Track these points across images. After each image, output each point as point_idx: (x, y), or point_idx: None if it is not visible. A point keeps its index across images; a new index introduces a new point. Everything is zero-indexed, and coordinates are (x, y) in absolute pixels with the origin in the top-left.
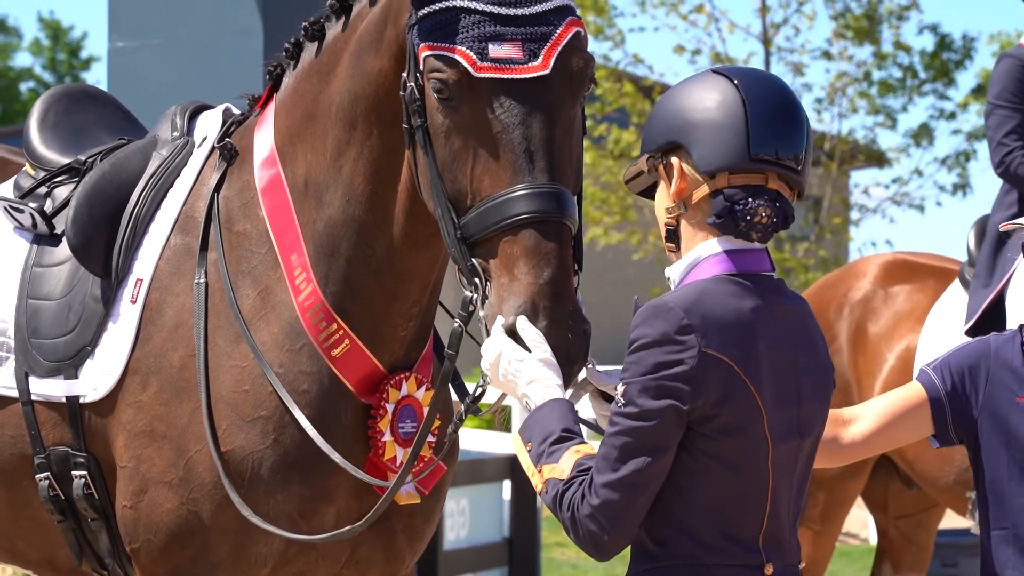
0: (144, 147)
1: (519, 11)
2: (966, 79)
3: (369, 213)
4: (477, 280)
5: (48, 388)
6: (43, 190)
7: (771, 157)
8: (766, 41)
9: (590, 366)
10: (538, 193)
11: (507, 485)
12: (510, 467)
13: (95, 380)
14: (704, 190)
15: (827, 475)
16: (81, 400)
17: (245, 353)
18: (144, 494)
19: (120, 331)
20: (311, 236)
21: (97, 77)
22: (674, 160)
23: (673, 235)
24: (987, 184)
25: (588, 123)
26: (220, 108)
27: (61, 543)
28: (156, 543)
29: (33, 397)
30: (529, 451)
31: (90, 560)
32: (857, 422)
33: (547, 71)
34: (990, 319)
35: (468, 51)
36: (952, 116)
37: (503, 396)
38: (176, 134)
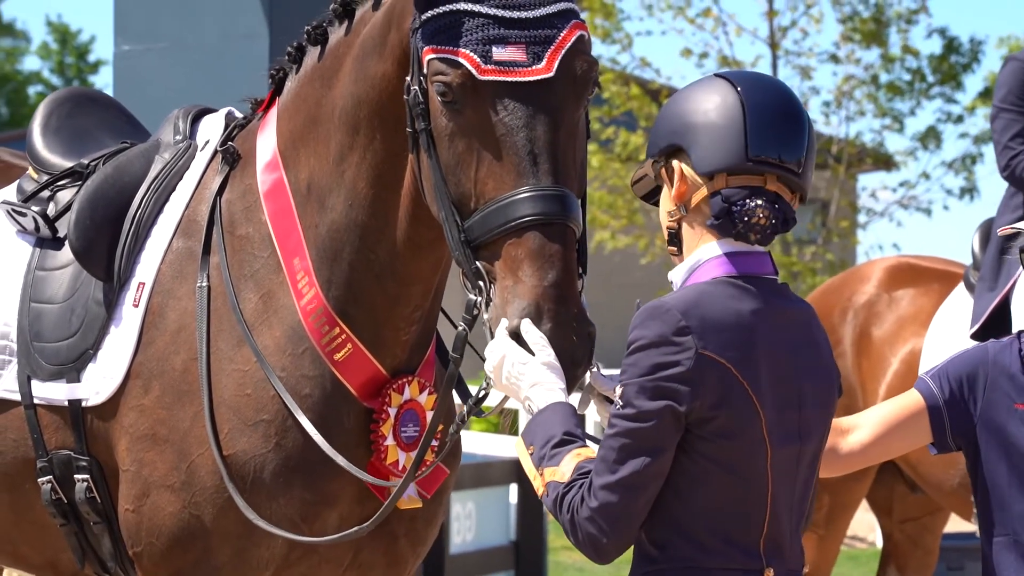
0: (147, 151)
1: (523, 14)
2: (974, 82)
3: (372, 217)
4: (481, 283)
5: (50, 392)
6: (46, 194)
7: (769, 159)
8: (773, 45)
9: (594, 370)
10: (542, 195)
11: (513, 489)
12: (516, 471)
13: (97, 384)
14: (703, 192)
15: (831, 479)
16: (83, 404)
17: (247, 357)
18: (146, 498)
19: (122, 335)
20: (314, 240)
21: (105, 81)
22: (675, 163)
23: (675, 238)
24: (994, 188)
25: (595, 126)
26: (223, 112)
27: (63, 547)
28: (158, 547)
29: (35, 401)
30: (531, 454)
31: (92, 564)
32: (855, 432)
33: (551, 74)
34: (995, 323)
35: (472, 54)
36: (959, 119)
37: (506, 398)
38: (179, 138)
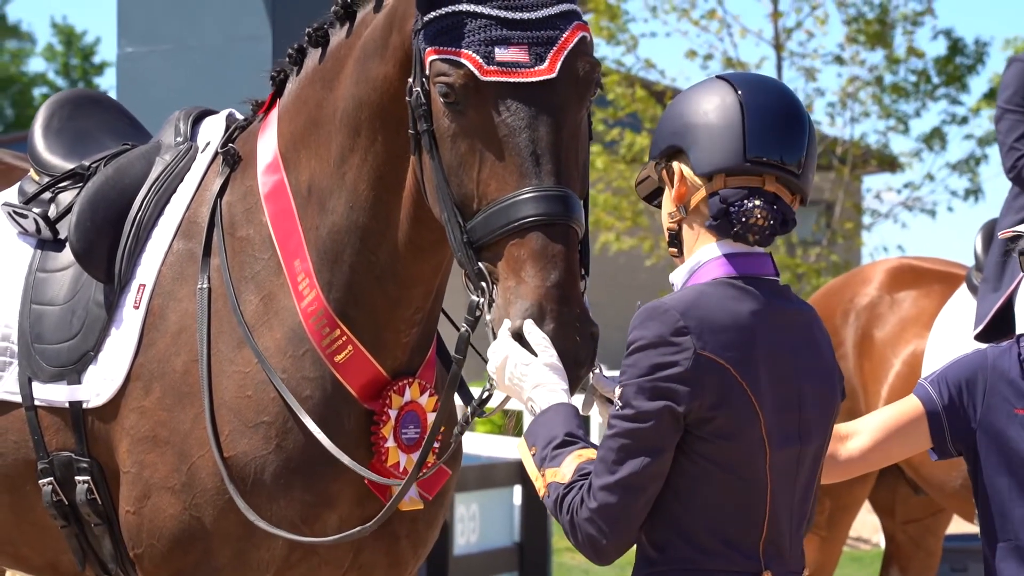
0: (147, 152)
1: (525, 15)
2: (979, 84)
3: (373, 219)
4: (484, 284)
5: (51, 393)
6: (47, 195)
7: (768, 159)
8: (778, 46)
9: (597, 371)
10: (545, 196)
11: (517, 490)
12: (521, 472)
13: (98, 385)
14: (702, 193)
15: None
16: (84, 405)
17: (248, 358)
18: (147, 499)
19: (123, 336)
20: (314, 242)
21: (110, 82)
22: (675, 164)
23: (676, 240)
24: (999, 189)
25: (600, 128)
26: (223, 113)
27: (64, 548)
28: (159, 548)
29: (36, 402)
30: (533, 455)
31: (93, 565)
32: (854, 438)
33: (553, 75)
34: (999, 324)
35: (474, 55)
36: (964, 121)
37: (507, 398)
38: (179, 139)
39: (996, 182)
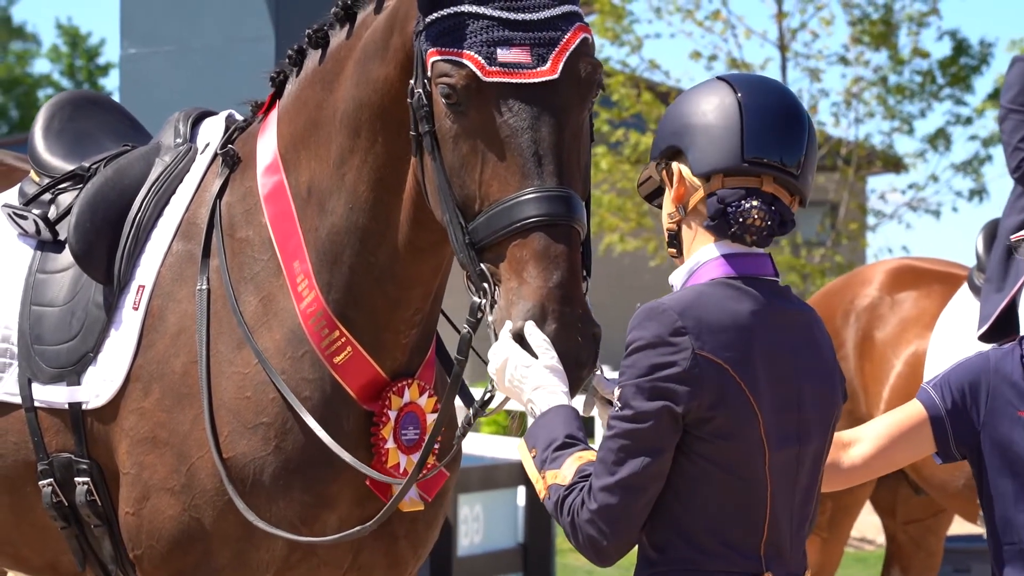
0: (147, 153)
1: (527, 16)
2: (983, 84)
3: (373, 221)
4: (486, 285)
5: (51, 395)
6: (47, 196)
7: (766, 160)
8: (782, 47)
9: (598, 372)
10: (547, 197)
11: (521, 491)
12: (524, 473)
13: (97, 387)
14: (700, 193)
15: None
16: (84, 407)
17: (247, 359)
18: (146, 501)
19: (122, 338)
20: (314, 243)
21: (115, 83)
22: (674, 165)
23: (675, 240)
24: (1003, 189)
25: (605, 128)
26: (223, 114)
27: (64, 549)
28: (159, 549)
29: (36, 403)
30: (533, 457)
31: (93, 566)
32: (857, 445)
33: (556, 76)
34: (1002, 325)
35: (477, 56)
36: (969, 121)
37: (507, 398)
38: (179, 140)
39: (1000, 182)
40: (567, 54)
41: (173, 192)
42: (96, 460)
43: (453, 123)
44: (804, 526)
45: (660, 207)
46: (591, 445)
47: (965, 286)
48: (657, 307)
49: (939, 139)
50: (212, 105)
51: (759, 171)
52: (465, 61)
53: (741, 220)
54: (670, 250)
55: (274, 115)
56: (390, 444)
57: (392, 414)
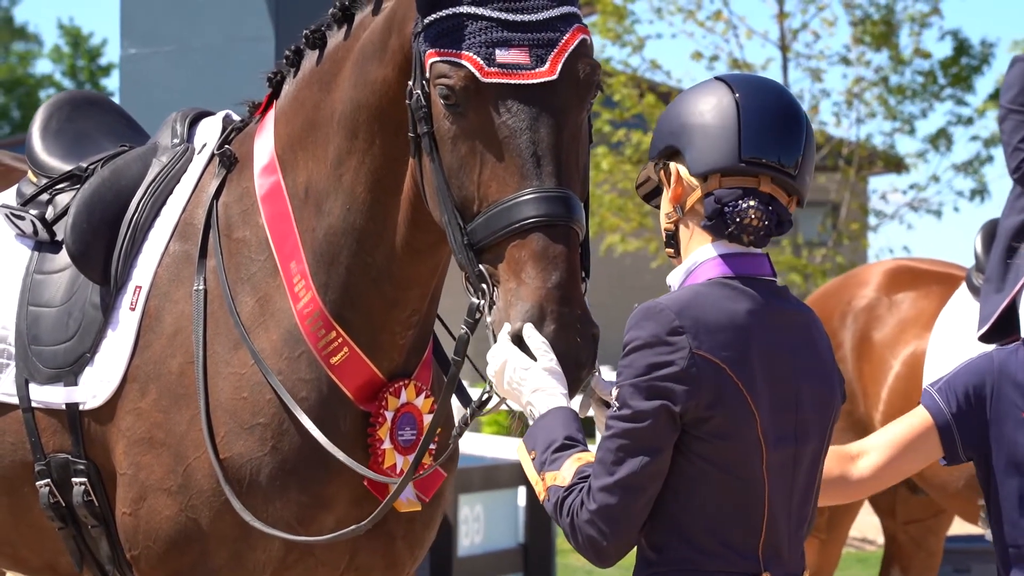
0: (144, 154)
1: (526, 17)
2: (985, 85)
3: (370, 222)
4: (484, 286)
5: (48, 395)
6: (44, 197)
7: (763, 160)
8: (784, 47)
9: (597, 373)
10: (546, 197)
11: (522, 491)
12: (525, 473)
13: (94, 387)
14: (698, 193)
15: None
16: (81, 407)
17: (244, 360)
18: (143, 501)
19: (119, 338)
20: (310, 244)
21: (117, 84)
22: (672, 165)
23: (672, 240)
24: (1005, 189)
25: (606, 129)
26: (220, 115)
27: (62, 549)
28: (156, 550)
29: (33, 404)
30: (533, 459)
31: (91, 566)
32: (865, 456)
33: (554, 76)
34: (1003, 325)
35: (475, 56)
36: (970, 122)
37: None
38: (176, 141)
39: (1002, 183)
40: (566, 55)
41: (170, 192)
42: (93, 460)
43: (452, 124)
44: (802, 527)
45: (658, 207)
46: (590, 446)
47: (963, 286)
48: (654, 307)
49: (940, 139)
50: (212, 105)
51: (757, 171)
52: (464, 62)
53: (738, 220)
54: (667, 250)
55: (271, 116)
56: (387, 445)
57: (389, 415)
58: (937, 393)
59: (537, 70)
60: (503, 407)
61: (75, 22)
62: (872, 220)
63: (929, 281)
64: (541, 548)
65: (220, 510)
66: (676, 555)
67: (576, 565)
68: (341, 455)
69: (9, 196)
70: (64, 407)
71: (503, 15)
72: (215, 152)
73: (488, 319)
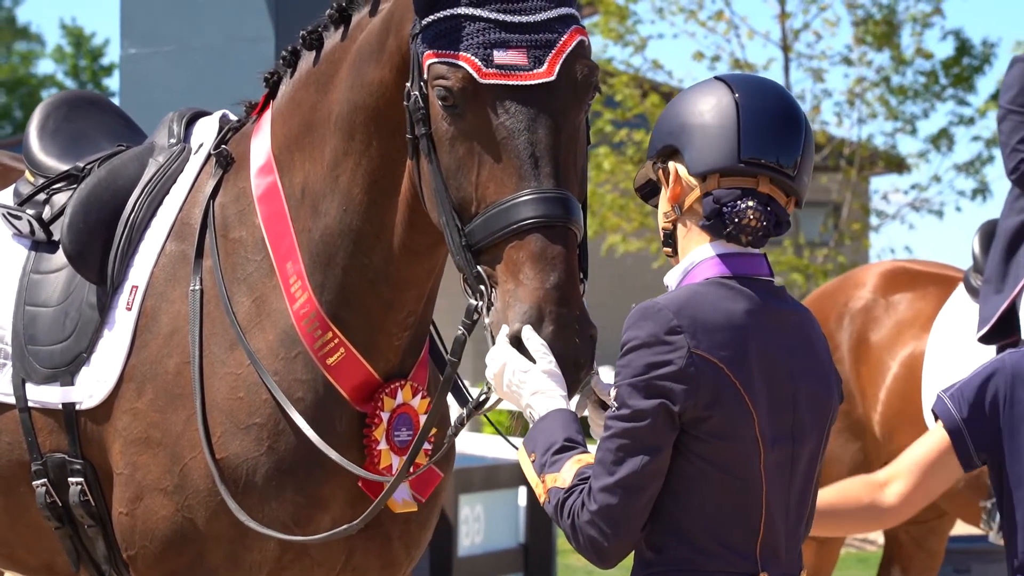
0: (141, 154)
1: (524, 18)
2: (986, 85)
3: (367, 223)
4: (482, 287)
5: (44, 395)
6: (41, 197)
7: (762, 160)
8: (786, 47)
9: (596, 374)
10: (544, 198)
11: (522, 491)
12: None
13: (91, 387)
14: (696, 193)
15: (827, 483)
16: (77, 407)
17: (240, 360)
18: (140, 501)
19: (116, 338)
20: (307, 244)
21: (119, 84)
22: (671, 164)
23: (670, 239)
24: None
25: (608, 129)
26: (217, 115)
27: (59, 549)
28: (152, 550)
29: (30, 404)
30: (533, 462)
31: (88, 566)
32: (893, 483)
33: (552, 78)
34: (1003, 327)
35: (473, 58)
36: (971, 122)
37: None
38: (173, 141)
39: (1003, 182)
40: (564, 56)
41: (167, 192)
42: (90, 460)
43: (449, 125)
44: (800, 527)
45: (657, 206)
46: (589, 447)
47: (961, 287)
48: (652, 306)
49: (942, 139)
50: (212, 105)
51: (755, 171)
52: (461, 63)
53: (737, 220)
54: (665, 249)
55: (268, 116)
56: (383, 445)
57: (385, 415)
58: (949, 399)
59: (535, 71)
60: (500, 406)
61: (77, 22)
62: (874, 220)
63: (926, 282)
64: (541, 548)
65: (216, 510)
66: (675, 555)
67: (576, 565)
68: (335, 455)
69: (6, 196)
70: (60, 407)
71: (501, 16)
72: (212, 152)
73: (486, 320)
